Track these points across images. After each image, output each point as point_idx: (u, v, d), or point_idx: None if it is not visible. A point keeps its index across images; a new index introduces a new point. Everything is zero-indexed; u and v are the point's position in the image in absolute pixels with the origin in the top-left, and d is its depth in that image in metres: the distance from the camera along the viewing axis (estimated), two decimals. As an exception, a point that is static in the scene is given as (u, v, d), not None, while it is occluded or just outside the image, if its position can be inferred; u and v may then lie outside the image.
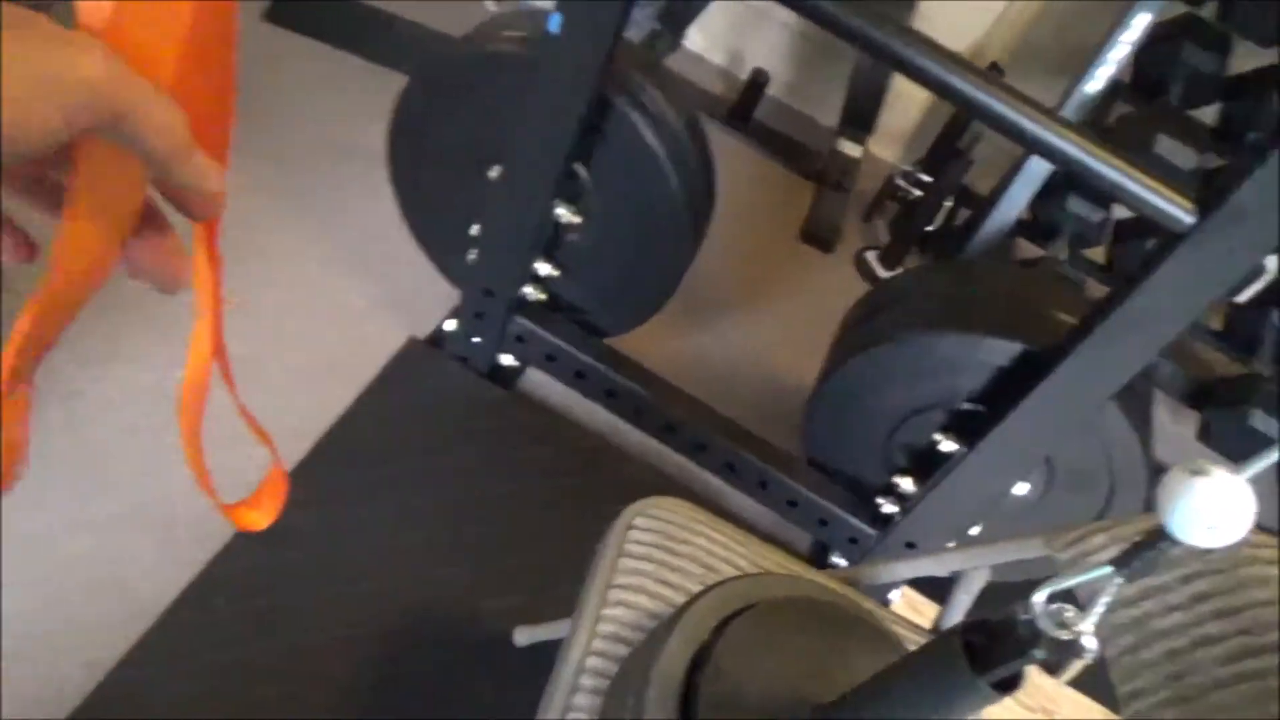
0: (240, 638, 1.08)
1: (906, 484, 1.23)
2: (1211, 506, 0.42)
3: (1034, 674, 1.35)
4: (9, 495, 1.00)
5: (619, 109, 1.13)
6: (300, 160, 1.60)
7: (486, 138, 1.22)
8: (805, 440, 1.33)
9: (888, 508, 1.26)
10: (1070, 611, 0.46)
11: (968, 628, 0.53)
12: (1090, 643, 0.46)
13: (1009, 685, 0.51)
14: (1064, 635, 0.47)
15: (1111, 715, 1.34)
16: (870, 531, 1.27)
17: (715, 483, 1.38)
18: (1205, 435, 1.54)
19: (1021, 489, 1.17)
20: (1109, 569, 0.46)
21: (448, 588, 1.19)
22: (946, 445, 1.17)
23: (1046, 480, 1.18)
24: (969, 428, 1.14)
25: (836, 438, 1.29)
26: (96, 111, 0.30)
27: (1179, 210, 0.88)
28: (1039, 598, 0.47)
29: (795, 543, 1.41)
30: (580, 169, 1.19)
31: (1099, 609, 0.46)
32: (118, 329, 1.28)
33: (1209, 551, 0.66)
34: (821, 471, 1.33)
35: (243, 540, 1.14)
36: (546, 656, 0.77)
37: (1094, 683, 1.38)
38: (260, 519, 0.46)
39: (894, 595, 1.29)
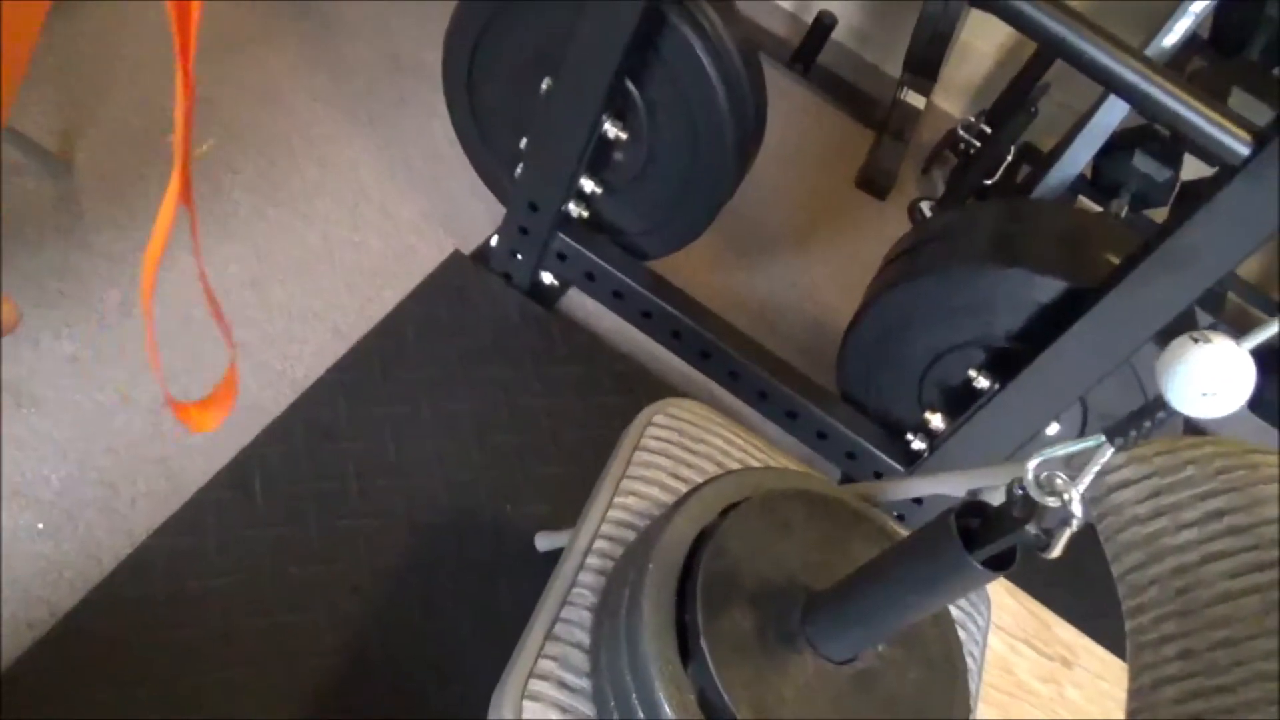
0: (274, 519, 1.11)
1: (937, 421, 1.22)
2: (1209, 373, 0.42)
3: (1053, 623, 1.35)
4: (68, 370, 1.04)
5: (672, 24, 1.13)
6: (361, 74, 1.62)
7: (540, 51, 1.23)
8: (839, 374, 1.33)
9: (917, 444, 1.26)
10: (1060, 478, 0.46)
11: (962, 510, 0.53)
12: (1078, 509, 0.46)
13: (1001, 564, 0.51)
14: (1053, 503, 0.47)
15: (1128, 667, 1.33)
16: (898, 467, 1.27)
17: (747, 411, 1.39)
18: (1253, 403, 1.50)
19: (1053, 430, 1.16)
20: (1101, 438, 0.46)
21: (477, 490, 1.22)
22: (981, 383, 1.15)
23: (1080, 423, 1.16)
24: (1006, 366, 1.13)
25: (871, 371, 1.28)
26: None
27: (1235, 141, 0.85)
28: (1030, 464, 0.47)
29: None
30: (630, 85, 1.19)
31: (1089, 476, 0.46)
32: (180, 223, 1.32)
33: (1225, 466, 0.65)
34: (854, 406, 1.32)
35: (280, 429, 1.18)
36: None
37: (1112, 635, 1.37)
38: (208, 421, 0.44)
39: (918, 534, 1.28)
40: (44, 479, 1.06)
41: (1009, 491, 0.50)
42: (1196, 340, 0.42)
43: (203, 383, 1.18)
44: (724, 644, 0.62)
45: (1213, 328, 1.54)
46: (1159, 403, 0.44)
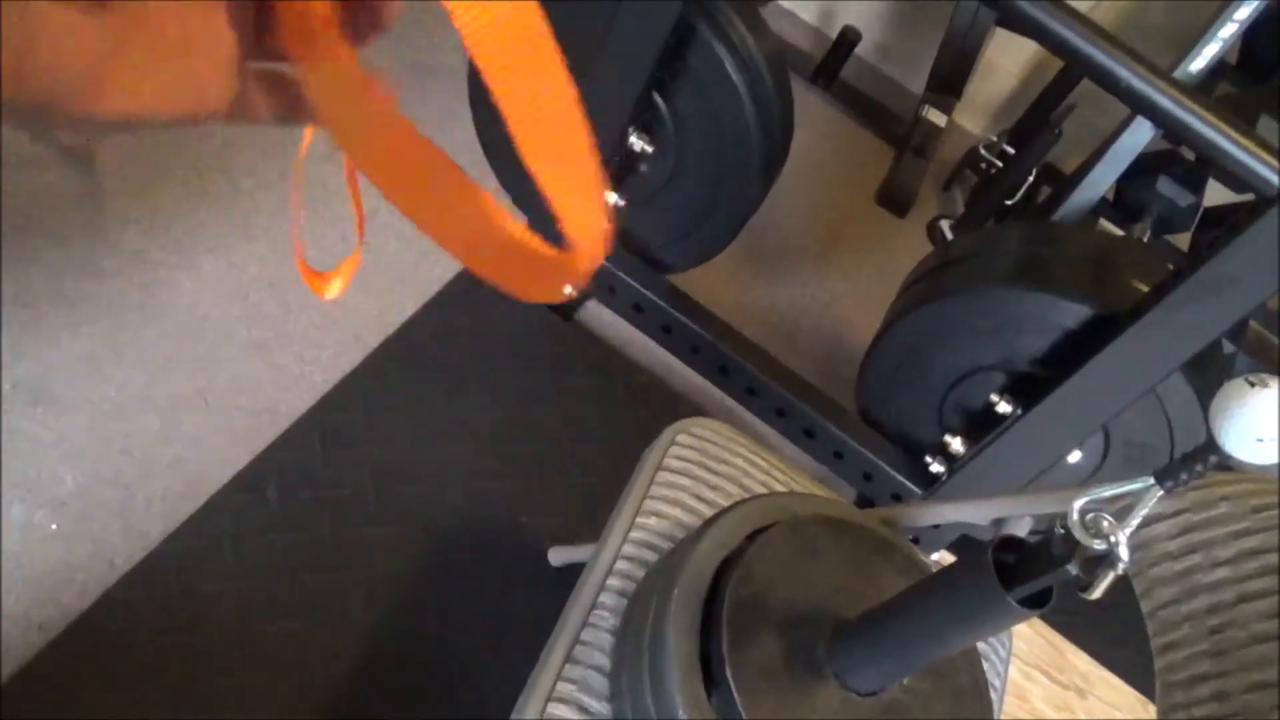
0: (289, 524, 1.11)
1: (957, 444, 1.21)
2: (1265, 419, 0.41)
3: (1068, 651, 1.34)
4: (86, 369, 1.04)
5: (703, 38, 1.12)
6: (384, 77, 1.61)
7: (565, 60, 1.22)
8: (859, 393, 1.32)
9: (935, 467, 1.25)
10: (1107, 520, 0.45)
11: (999, 545, 0.52)
12: (1124, 552, 0.45)
13: (1038, 602, 0.51)
14: (1098, 545, 0.46)
15: (1141, 696, 1.32)
16: (915, 490, 1.26)
17: (764, 429, 1.38)
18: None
19: (1074, 457, 1.15)
20: (1150, 480, 0.45)
21: (492, 499, 1.21)
22: (1003, 407, 1.14)
23: (1102, 451, 1.15)
24: (1029, 391, 1.11)
25: (891, 391, 1.27)
26: None
27: (1269, 171, 0.84)
28: (1076, 504, 0.46)
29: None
30: (658, 98, 1.19)
31: (1136, 519, 0.45)
32: (200, 221, 1.31)
33: (1263, 508, 0.64)
34: (872, 426, 1.31)
35: (297, 434, 1.17)
36: (577, 577, 0.78)
37: (1127, 665, 1.36)
38: (331, 287, 0.48)
39: (934, 556, 1.27)
40: (59, 479, 1.05)
41: (1050, 530, 0.49)
42: (1253, 384, 0.41)
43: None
44: (749, 673, 0.61)
45: (1233, 356, 1.52)
46: (1211, 446, 0.43)
